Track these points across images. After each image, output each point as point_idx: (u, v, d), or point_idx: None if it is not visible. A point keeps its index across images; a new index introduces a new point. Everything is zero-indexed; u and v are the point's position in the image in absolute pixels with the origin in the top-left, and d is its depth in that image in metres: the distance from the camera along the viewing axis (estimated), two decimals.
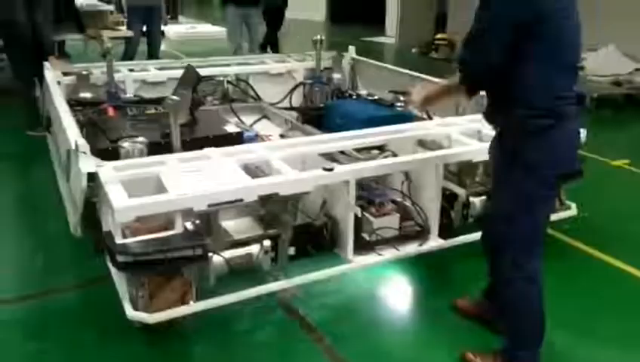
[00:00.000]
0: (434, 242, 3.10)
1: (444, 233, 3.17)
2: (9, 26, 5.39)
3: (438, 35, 11.13)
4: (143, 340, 2.63)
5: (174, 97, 2.89)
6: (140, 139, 2.91)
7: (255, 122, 4.87)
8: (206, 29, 13.20)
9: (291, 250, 2.87)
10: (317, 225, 2.92)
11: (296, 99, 5.24)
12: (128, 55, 7.72)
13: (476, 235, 3.19)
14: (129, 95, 4.55)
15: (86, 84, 4.48)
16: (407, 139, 3.30)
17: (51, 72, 4.42)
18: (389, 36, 13.20)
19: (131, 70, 4.88)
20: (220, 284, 2.65)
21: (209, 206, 2.44)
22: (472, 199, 3.34)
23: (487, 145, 3.16)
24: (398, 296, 3.16)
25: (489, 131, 3.33)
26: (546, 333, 2.39)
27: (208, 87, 5.14)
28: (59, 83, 4.44)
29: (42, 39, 5.43)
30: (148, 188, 2.53)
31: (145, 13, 7.74)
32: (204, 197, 2.42)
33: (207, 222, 2.62)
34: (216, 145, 3.04)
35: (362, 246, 2.99)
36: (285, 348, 2.68)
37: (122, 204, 2.30)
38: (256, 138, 3.81)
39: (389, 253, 3.00)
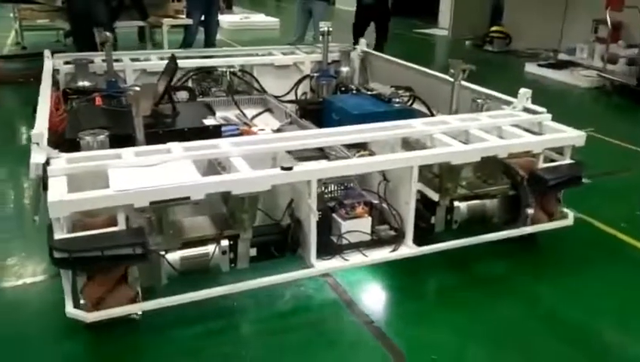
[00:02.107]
0: (407, 249, 2.91)
1: (421, 239, 2.98)
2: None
3: (494, 27, 10.74)
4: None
5: (135, 88, 2.79)
6: (102, 131, 2.83)
7: (257, 115, 4.77)
8: (259, 18, 13.40)
9: (253, 252, 2.75)
10: (279, 227, 2.79)
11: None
12: (187, 42, 7.95)
13: (457, 242, 3.01)
14: (128, 84, 4.51)
15: (85, 73, 4.47)
16: (388, 137, 3.11)
17: (50, 60, 4.43)
18: (442, 28, 12.85)
19: (134, 60, 4.84)
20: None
21: (151, 203, 2.34)
22: (457, 204, 3.14)
23: (471, 146, 2.98)
24: (437, 288, 3.06)
25: (476, 132, 3.13)
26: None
27: (214, 78, 5.10)
28: (57, 71, 4.47)
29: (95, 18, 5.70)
30: (97, 183, 2.45)
31: (204, 3, 7.94)
32: (145, 193, 2.32)
33: (159, 219, 2.54)
34: (192, 139, 2.95)
35: (329, 249, 2.83)
36: (335, 328, 2.68)
37: (57, 198, 2.22)
38: (237, 132, 3.69)
39: (356, 259, 2.83)
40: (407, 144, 3.21)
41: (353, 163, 2.84)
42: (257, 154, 2.80)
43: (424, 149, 3.03)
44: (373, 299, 2.94)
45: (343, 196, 3.01)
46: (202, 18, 8.03)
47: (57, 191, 2.27)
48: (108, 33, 4.37)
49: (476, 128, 3.15)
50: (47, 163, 2.50)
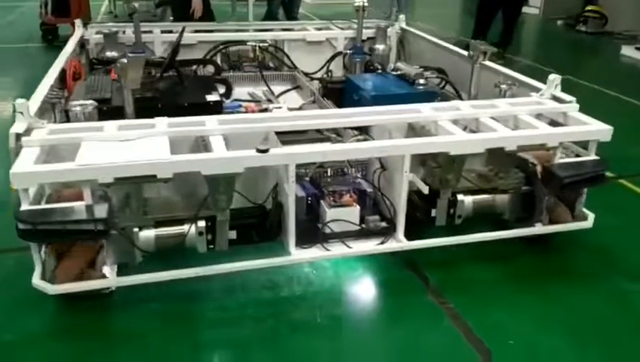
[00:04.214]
0: (396, 243, 2.73)
1: (415, 233, 2.79)
2: None
3: (589, 7, 10.04)
4: None
5: (123, 60, 2.74)
6: (91, 102, 2.80)
7: (283, 92, 4.66)
8: None
9: (232, 235, 2.66)
10: (260, 211, 2.67)
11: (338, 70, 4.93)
12: (271, 16, 7.94)
13: (452, 239, 2.81)
14: (156, 56, 4.50)
15: (113, 43, 4.49)
16: (387, 122, 2.91)
17: (79, 30, 4.49)
18: (533, 6, 12.12)
19: (164, 32, 4.82)
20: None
21: (116, 179, 2.28)
22: (461, 197, 2.91)
23: (472, 136, 2.74)
24: (516, 273, 2.91)
25: (487, 120, 2.88)
26: None
27: (246, 53, 5.02)
28: (87, 41, 4.53)
29: None
30: (73, 155, 2.42)
31: None
32: (109, 169, 2.26)
33: (134, 195, 2.50)
34: (193, 114, 2.88)
35: (311, 237, 2.70)
36: (408, 306, 2.65)
37: (19, 169, 2.21)
38: (240, 108, 3.58)
39: (338, 249, 2.68)
40: (413, 129, 2.99)
41: (334, 148, 2.66)
42: (244, 134, 2.68)
43: (427, 137, 2.82)
44: (451, 280, 2.81)
45: (336, 182, 2.85)
46: None
47: (23, 162, 2.26)
48: (136, 4, 4.36)
49: (488, 116, 2.89)
50: (28, 133, 2.50)
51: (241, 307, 2.59)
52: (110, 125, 2.61)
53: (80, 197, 2.34)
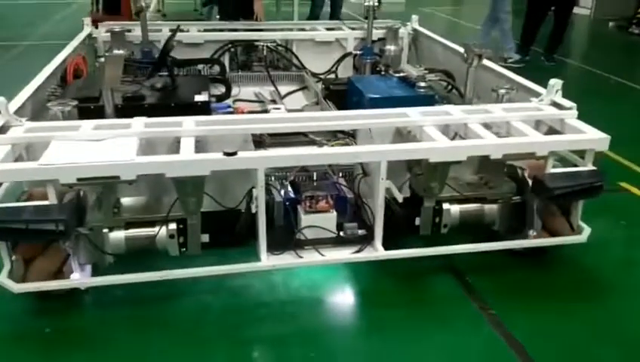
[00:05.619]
0: (373, 251, 2.62)
1: (394, 241, 2.68)
2: None
3: None
4: None
5: (101, 59, 2.72)
6: (71, 101, 2.79)
7: (289, 93, 4.60)
8: None
9: (205, 238, 2.61)
10: (228, 214, 2.61)
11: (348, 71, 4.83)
12: (313, 15, 8.02)
13: (432, 250, 2.69)
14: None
15: (121, 42, 4.51)
16: (367, 126, 2.81)
17: (88, 27, 4.52)
18: (584, 7, 11.71)
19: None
20: None
21: (79, 180, 2.26)
22: (446, 206, 2.78)
23: (454, 143, 2.62)
24: (561, 282, 2.87)
25: (475, 126, 2.74)
26: None
27: (256, 52, 4.98)
28: (94, 38, 4.57)
29: None
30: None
31: None
32: (72, 169, 2.24)
33: (104, 196, 2.48)
34: (179, 114, 2.84)
35: (285, 244, 2.62)
36: (450, 311, 2.64)
37: None
38: (228, 110, 3.53)
39: (311, 257, 2.60)
40: (401, 134, 2.88)
41: (305, 153, 2.57)
42: (225, 136, 2.62)
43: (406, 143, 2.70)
44: (494, 287, 2.77)
45: (315, 187, 2.77)
46: None
47: None
48: (143, 3, 4.37)
49: (477, 122, 2.75)
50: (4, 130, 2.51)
51: (280, 304, 2.62)
52: (86, 125, 2.59)
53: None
